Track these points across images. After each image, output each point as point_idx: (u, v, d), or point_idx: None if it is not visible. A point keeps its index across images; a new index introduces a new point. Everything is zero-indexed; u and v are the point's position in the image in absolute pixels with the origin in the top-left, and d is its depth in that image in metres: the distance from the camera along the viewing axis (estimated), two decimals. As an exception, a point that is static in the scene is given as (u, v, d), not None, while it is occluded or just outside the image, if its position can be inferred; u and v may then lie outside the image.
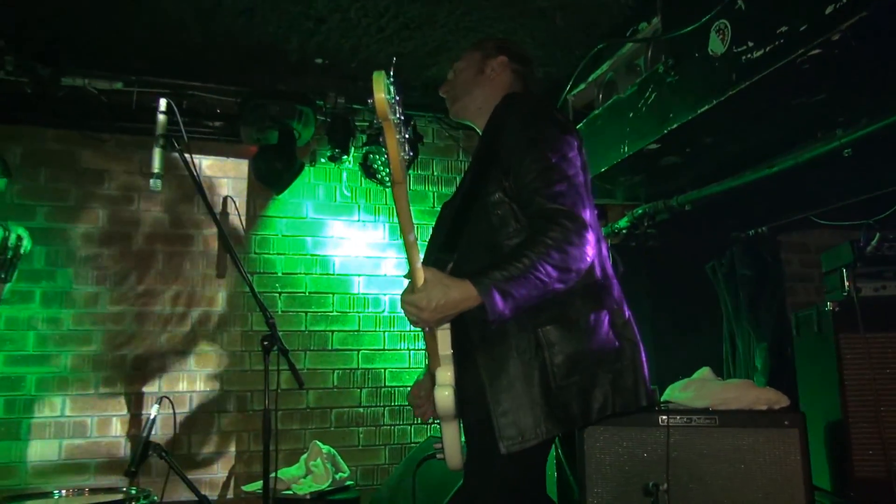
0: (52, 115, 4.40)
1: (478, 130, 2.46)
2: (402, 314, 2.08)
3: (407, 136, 1.74)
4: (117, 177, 4.64)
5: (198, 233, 4.73)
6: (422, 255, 2.05)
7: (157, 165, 2.98)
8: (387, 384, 4.93)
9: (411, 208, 1.90)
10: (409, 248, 1.97)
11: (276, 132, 4.47)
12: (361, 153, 4.93)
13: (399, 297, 2.05)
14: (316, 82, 4.60)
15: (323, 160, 4.97)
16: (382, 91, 1.75)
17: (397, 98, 1.76)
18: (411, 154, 1.75)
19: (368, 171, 4.90)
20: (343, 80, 4.61)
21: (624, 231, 4.56)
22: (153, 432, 3.48)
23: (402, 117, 1.75)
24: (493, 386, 2.08)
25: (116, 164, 4.66)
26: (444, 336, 2.11)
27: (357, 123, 4.94)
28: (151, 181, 2.99)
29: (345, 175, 5.10)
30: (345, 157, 4.80)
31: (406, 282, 2.02)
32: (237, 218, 4.79)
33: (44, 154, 4.57)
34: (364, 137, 4.95)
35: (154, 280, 4.67)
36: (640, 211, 4.46)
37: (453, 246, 2.18)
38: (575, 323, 2.12)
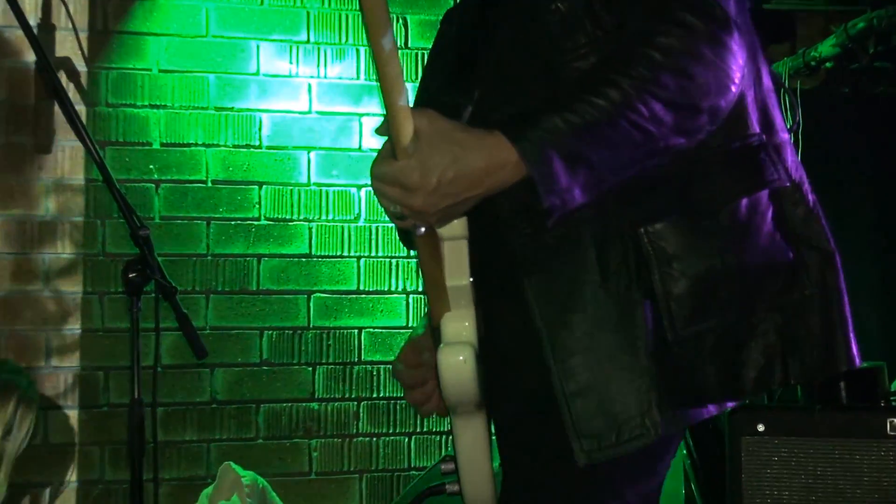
0: None
1: None
2: (382, 208, 1.67)
3: None
4: None
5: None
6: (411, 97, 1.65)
7: None
8: (363, 358, 4.31)
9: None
10: (382, 67, 1.50)
11: None
12: None
13: (371, 169, 1.61)
14: None
15: None
16: None
17: None
18: None
19: None
20: None
21: (827, 62, 4.19)
22: None
23: None
24: (557, 341, 1.71)
25: None
26: (455, 250, 1.70)
27: None
28: None
29: None
30: None
31: (381, 141, 1.60)
32: (71, 36, 3.94)
33: None
34: None
35: None
36: (861, 24, 4.02)
37: (470, 78, 1.83)
38: (710, 216, 1.75)
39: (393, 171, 1.56)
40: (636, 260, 1.73)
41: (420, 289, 4.26)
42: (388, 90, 1.51)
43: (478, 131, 1.59)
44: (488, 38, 1.86)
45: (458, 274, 1.74)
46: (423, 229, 1.63)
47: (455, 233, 1.70)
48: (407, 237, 1.78)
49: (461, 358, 1.73)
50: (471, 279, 1.75)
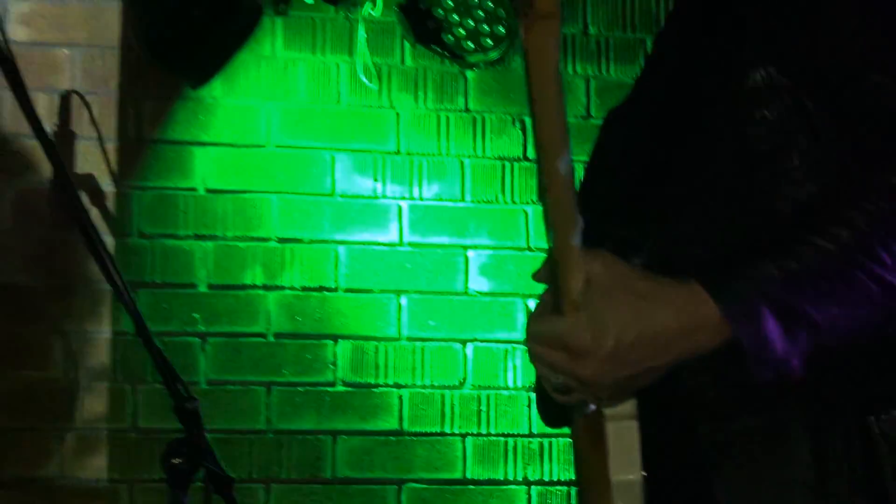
0: None
1: None
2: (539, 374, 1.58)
3: None
4: None
5: (4, 185, 3.48)
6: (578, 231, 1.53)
7: None
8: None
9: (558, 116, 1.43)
10: (552, 196, 1.45)
11: None
12: None
13: (527, 327, 1.54)
14: None
15: (309, 0, 3.74)
16: None
17: None
18: None
19: (424, 26, 3.65)
20: None
21: None
22: None
23: None
24: None
25: None
26: (621, 433, 1.56)
27: None
28: None
29: (361, 37, 3.75)
30: None
31: (538, 290, 1.56)
32: (96, 147, 3.48)
33: None
34: None
35: None
36: None
37: (646, 206, 1.69)
38: None
39: (557, 329, 1.46)
40: (864, 457, 1.51)
41: (552, 478, 3.81)
42: (557, 225, 1.46)
43: (666, 280, 1.45)
44: (670, 153, 1.71)
45: (625, 466, 1.56)
46: (591, 407, 1.52)
47: (622, 411, 1.56)
48: (556, 413, 1.64)
49: None
50: (643, 473, 1.57)
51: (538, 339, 1.49)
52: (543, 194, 1.45)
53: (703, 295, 1.41)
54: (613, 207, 1.77)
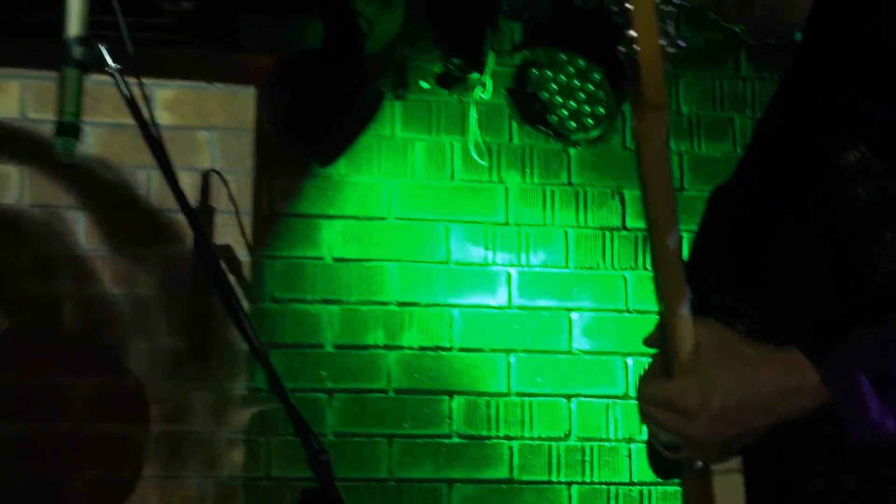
0: None
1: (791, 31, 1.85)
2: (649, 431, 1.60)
3: (675, 9, 1.37)
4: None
5: (141, 256, 3.63)
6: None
7: (70, 107, 2.30)
8: None
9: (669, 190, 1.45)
10: (662, 269, 1.46)
11: (318, 23, 3.59)
12: (511, 67, 3.88)
13: (639, 388, 1.55)
14: None
15: (425, 84, 3.83)
16: None
17: None
18: (681, 45, 1.38)
19: (531, 107, 3.79)
20: None
21: None
22: None
23: None
24: None
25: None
26: (726, 487, 1.61)
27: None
28: (58, 144, 2.32)
29: (473, 118, 3.87)
30: (474, 75, 3.73)
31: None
32: (233, 221, 3.68)
33: None
34: (517, 31, 3.87)
35: (62, 366, 3.54)
36: None
37: (748, 275, 1.66)
38: None
39: (668, 392, 1.47)
40: None
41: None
42: (668, 296, 1.46)
43: (768, 347, 1.46)
44: (769, 226, 1.71)
45: None
46: (699, 464, 1.53)
47: (729, 465, 1.59)
48: (665, 467, 1.64)
49: None
50: None
51: (650, 400, 1.51)
52: (655, 268, 1.47)
53: (804, 361, 1.45)
54: (718, 278, 1.77)
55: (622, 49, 1.37)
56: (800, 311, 1.60)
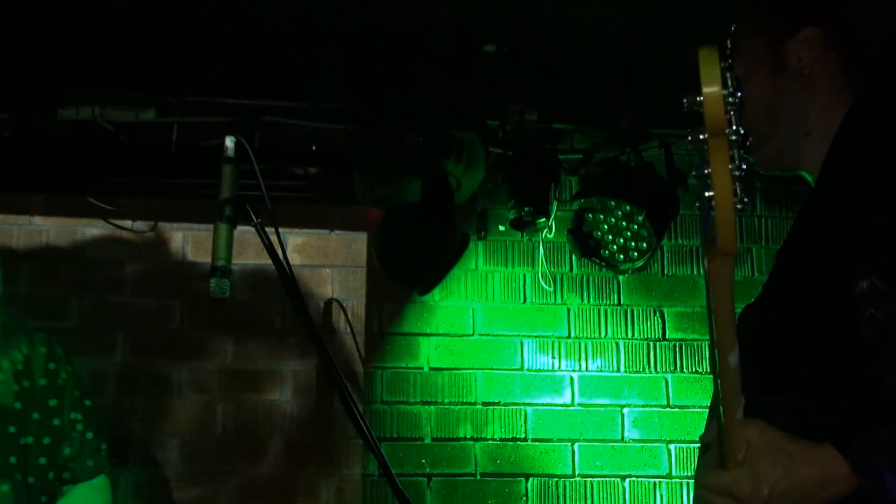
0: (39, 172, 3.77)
1: (807, 177, 1.93)
2: None
3: (742, 165, 1.34)
4: (141, 276, 3.94)
5: (278, 370, 3.89)
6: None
7: (222, 253, 2.41)
8: None
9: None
10: (724, 381, 1.46)
11: (417, 182, 3.80)
12: (571, 212, 4.12)
13: (698, 478, 1.60)
14: (485, 87, 3.90)
15: (501, 228, 4.13)
16: (717, 80, 1.32)
17: (737, 94, 1.34)
18: (745, 202, 1.35)
19: (587, 244, 4.01)
20: (534, 81, 3.87)
21: None
22: None
23: (742, 131, 1.34)
24: None
25: (140, 252, 3.97)
26: None
27: (562, 157, 4.04)
28: (213, 283, 2.43)
29: (541, 253, 4.17)
30: (541, 220, 3.94)
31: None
32: (350, 339, 3.96)
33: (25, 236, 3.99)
34: (574, 183, 4.09)
35: (207, 468, 3.79)
36: None
37: (784, 378, 1.72)
38: None
39: (724, 481, 1.52)
40: None
41: None
42: (726, 402, 1.49)
43: (807, 443, 1.55)
44: (799, 341, 1.80)
45: None
46: None
47: None
48: None
49: None
50: None
51: (709, 488, 1.57)
52: (718, 378, 1.50)
53: (836, 455, 1.53)
54: (756, 380, 1.78)
55: (699, 205, 1.40)
56: (830, 411, 1.66)
